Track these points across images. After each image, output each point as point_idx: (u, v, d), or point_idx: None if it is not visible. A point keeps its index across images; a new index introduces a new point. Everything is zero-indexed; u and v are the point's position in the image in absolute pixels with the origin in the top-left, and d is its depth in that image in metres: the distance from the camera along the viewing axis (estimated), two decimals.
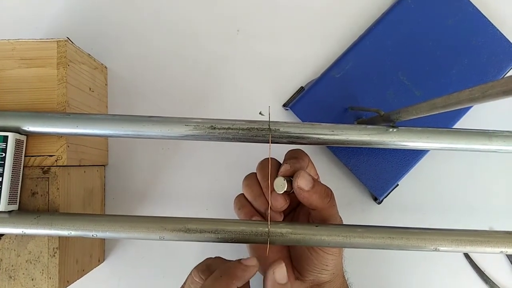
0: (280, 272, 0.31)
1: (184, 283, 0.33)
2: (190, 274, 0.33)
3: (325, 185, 0.36)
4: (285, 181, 0.34)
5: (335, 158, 0.47)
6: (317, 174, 0.40)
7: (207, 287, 0.30)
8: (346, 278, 0.41)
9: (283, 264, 0.31)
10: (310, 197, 0.34)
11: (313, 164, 0.39)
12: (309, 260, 0.36)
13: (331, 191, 0.36)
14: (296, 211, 0.41)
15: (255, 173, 0.39)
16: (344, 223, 0.36)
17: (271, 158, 0.37)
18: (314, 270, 0.36)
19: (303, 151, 0.38)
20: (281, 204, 0.35)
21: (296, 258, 0.39)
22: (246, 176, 0.39)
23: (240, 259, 0.32)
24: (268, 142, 0.35)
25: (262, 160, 0.39)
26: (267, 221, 0.35)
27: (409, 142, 0.36)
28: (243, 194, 0.40)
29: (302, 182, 0.34)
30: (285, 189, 0.34)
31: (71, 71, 0.39)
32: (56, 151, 0.37)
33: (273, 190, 0.35)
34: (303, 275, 0.38)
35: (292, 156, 0.37)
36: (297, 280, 0.38)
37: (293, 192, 0.35)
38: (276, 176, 0.35)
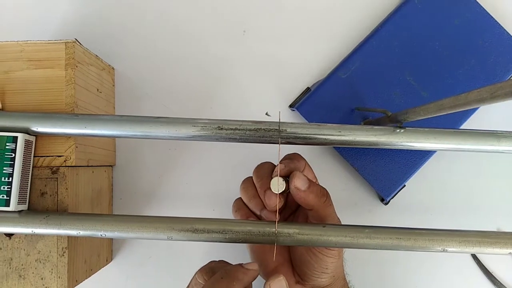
0: (277, 286, 0.31)
1: (189, 284, 0.34)
2: (194, 275, 0.34)
3: (321, 186, 0.37)
4: (283, 181, 0.35)
5: (341, 158, 0.47)
6: (315, 177, 0.40)
7: None
8: (347, 281, 0.41)
9: (282, 277, 0.31)
10: (306, 197, 0.35)
11: (311, 168, 0.39)
12: (309, 264, 0.37)
13: (327, 191, 0.37)
14: (296, 214, 0.41)
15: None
16: (351, 224, 0.36)
17: (267, 162, 0.39)
18: (314, 273, 0.37)
19: (299, 155, 0.39)
20: (275, 202, 0.36)
21: (296, 262, 0.39)
22: (243, 180, 0.40)
23: (242, 263, 0.32)
24: (275, 143, 0.35)
25: (259, 164, 0.39)
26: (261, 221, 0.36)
27: (416, 143, 0.36)
28: (240, 197, 0.40)
29: (298, 182, 0.34)
30: (283, 189, 0.35)
31: (79, 72, 0.39)
32: (65, 151, 0.38)
33: (268, 189, 0.35)
34: (303, 279, 0.38)
35: (287, 157, 0.38)
36: (297, 284, 0.38)
37: (289, 192, 0.35)
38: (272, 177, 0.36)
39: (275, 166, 0.38)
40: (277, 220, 0.34)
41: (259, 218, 0.38)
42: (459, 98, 0.27)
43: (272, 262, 0.39)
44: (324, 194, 0.36)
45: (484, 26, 0.47)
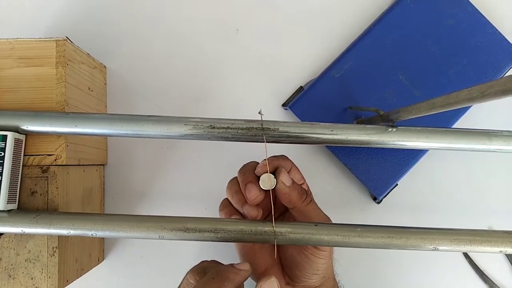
0: (269, 287, 0.31)
1: (180, 284, 0.33)
2: (186, 275, 0.33)
3: (301, 186, 0.38)
4: (274, 178, 0.36)
5: (334, 157, 0.47)
6: (303, 178, 0.40)
7: None
8: (337, 281, 0.41)
9: (273, 278, 0.31)
10: (291, 193, 0.36)
11: (298, 169, 0.40)
12: (300, 265, 0.37)
13: (307, 189, 0.39)
14: (285, 215, 0.41)
15: None
16: (343, 223, 0.36)
17: (253, 161, 0.39)
18: (305, 274, 0.37)
19: (286, 156, 0.39)
20: (255, 195, 0.36)
21: (287, 263, 0.39)
22: (230, 180, 0.40)
23: (233, 263, 0.32)
24: (268, 142, 0.35)
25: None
26: (245, 218, 0.37)
27: (408, 142, 0.36)
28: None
29: (284, 178, 0.36)
30: (274, 186, 0.36)
31: (70, 71, 0.39)
32: (55, 150, 0.37)
33: (249, 183, 0.36)
34: (294, 280, 0.38)
35: (272, 156, 0.39)
36: (287, 285, 0.38)
37: (274, 189, 0.36)
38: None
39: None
40: (271, 215, 0.34)
41: (242, 215, 0.38)
42: (450, 97, 0.27)
43: (262, 264, 0.39)
44: (305, 191, 0.37)
45: (477, 26, 0.47)
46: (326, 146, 0.47)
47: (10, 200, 0.35)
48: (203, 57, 0.50)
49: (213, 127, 0.34)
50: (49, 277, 0.36)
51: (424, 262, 0.48)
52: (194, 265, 0.34)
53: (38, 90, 0.38)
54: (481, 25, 0.47)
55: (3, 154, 0.34)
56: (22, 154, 0.37)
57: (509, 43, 0.47)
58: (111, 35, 0.50)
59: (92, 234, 0.34)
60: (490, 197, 0.49)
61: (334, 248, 0.37)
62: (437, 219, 0.48)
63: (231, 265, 0.32)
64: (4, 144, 0.34)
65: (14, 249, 0.36)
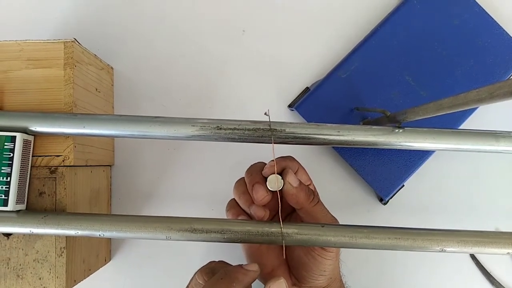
0: None
1: (188, 284, 0.34)
2: (194, 276, 0.33)
3: (308, 186, 0.38)
4: (281, 179, 0.36)
5: (340, 158, 0.47)
6: (310, 179, 0.40)
7: None
8: (344, 282, 0.41)
9: (282, 279, 0.31)
10: (298, 193, 0.36)
11: (305, 170, 0.40)
12: (307, 266, 0.37)
13: (314, 190, 0.39)
14: (292, 216, 0.41)
15: None
16: (349, 224, 0.36)
17: (260, 162, 0.39)
18: (312, 275, 0.37)
19: (292, 157, 0.39)
20: (262, 195, 0.36)
21: (294, 264, 0.39)
22: (237, 180, 0.40)
23: (242, 264, 0.32)
24: (275, 143, 0.35)
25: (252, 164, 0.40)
26: (252, 219, 0.37)
27: (415, 143, 0.36)
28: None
29: (291, 178, 0.36)
30: (281, 187, 0.35)
31: (77, 72, 0.39)
32: (63, 151, 0.38)
33: (256, 183, 0.36)
34: (300, 281, 0.38)
35: (280, 157, 0.39)
36: (294, 286, 0.38)
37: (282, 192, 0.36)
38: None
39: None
40: (281, 222, 0.34)
41: (249, 216, 0.38)
42: (458, 98, 0.27)
43: (269, 264, 0.39)
44: (312, 192, 0.37)
45: (483, 26, 0.47)
46: (333, 147, 0.47)
47: (18, 200, 0.35)
48: (210, 58, 0.50)
49: (220, 128, 0.34)
50: (57, 277, 0.36)
51: (430, 263, 0.48)
52: (201, 265, 0.34)
53: (46, 91, 0.38)
54: (488, 25, 0.47)
55: (12, 155, 0.35)
56: (31, 155, 0.37)
57: None
58: (118, 37, 0.50)
59: (99, 235, 0.34)
60: (497, 198, 0.49)
61: (341, 249, 0.37)
62: (444, 220, 0.48)
63: (240, 265, 0.32)
64: (13, 145, 0.35)
65: (22, 249, 0.36)
